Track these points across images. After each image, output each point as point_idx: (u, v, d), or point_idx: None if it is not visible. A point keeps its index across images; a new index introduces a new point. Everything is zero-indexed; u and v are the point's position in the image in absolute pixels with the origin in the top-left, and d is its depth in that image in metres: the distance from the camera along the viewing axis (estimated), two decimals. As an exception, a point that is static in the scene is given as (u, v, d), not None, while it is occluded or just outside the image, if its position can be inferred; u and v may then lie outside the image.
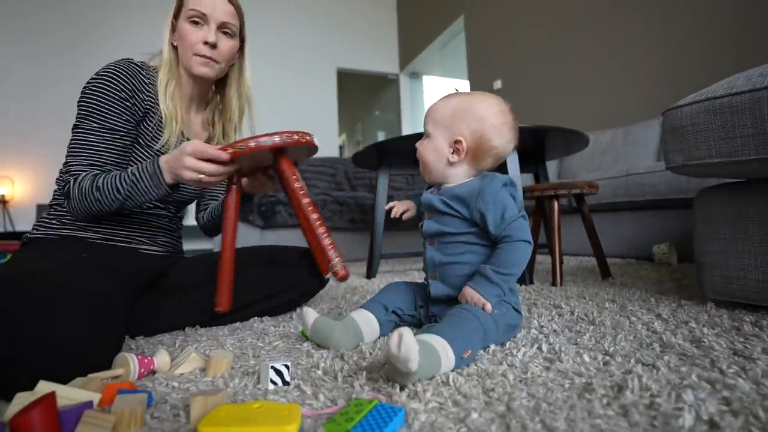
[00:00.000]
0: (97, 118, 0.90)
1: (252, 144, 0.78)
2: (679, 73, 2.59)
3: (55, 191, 0.98)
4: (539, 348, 0.70)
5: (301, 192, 0.85)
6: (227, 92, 1.11)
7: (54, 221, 0.95)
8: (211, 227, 1.19)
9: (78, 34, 4.50)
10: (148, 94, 0.97)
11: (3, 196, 4.19)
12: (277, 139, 0.79)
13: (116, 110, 0.91)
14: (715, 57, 2.38)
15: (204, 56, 0.97)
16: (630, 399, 0.48)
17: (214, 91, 1.14)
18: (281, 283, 1.08)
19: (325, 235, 0.85)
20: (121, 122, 0.92)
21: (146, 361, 0.66)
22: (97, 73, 0.92)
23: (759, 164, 0.79)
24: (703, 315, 0.86)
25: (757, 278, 0.86)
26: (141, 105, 0.95)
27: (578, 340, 0.74)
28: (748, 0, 2.23)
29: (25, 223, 4.24)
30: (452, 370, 0.60)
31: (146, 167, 0.85)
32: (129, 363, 0.63)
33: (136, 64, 0.97)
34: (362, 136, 8.35)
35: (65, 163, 0.90)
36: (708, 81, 1.24)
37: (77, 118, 0.91)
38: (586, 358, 0.63)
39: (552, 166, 3.15)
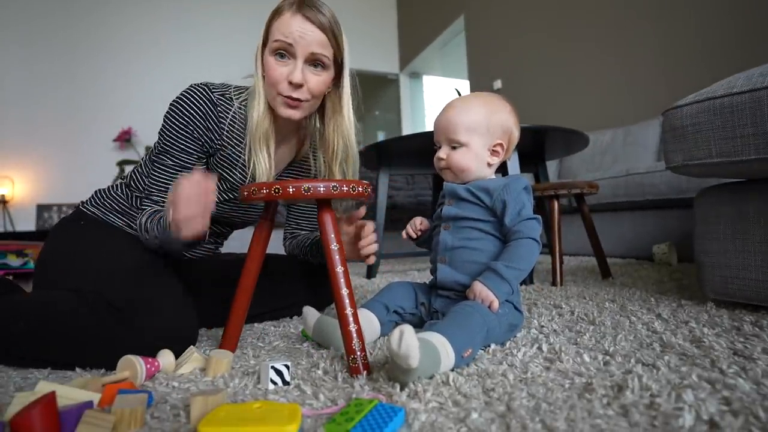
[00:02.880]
0: (171, 156, 0.88)
1: (290, 190, 0.64)
2: (679, 73, 2.58)
3: (123, 180, 1.01)
4: (539, 348, 0.70)
5: (337, 257, 0.68)
6: (326, 128, 0.97)
7: (107, 202, 0.99)
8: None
9: (77, 36, 4.50)
10: (220, 130, 0.90)
11: (3, 196, 4.18)
12: (321, 188, 0.65)
13: (189, 149, 0.88)
14: (715, 57, 2.38)
15: (288, 97, 0.85)
16: (630, 399, 0.48)
17: (314, 120, 1.02)
18: (281, 301, 1.07)
19: (352, 318, 0.66)
20: (192, 161, 0.90)
21: (153, 363, 0.65)
22: (173, 105, 0.88)
23: (759, 164, 0.79)
24: (703, 315, 0.86)
25: (757, 278, 0.86)
26: (212, 143, 0.91)
27: (578, 340, 0.74)
28: (748, 0, 2.23)
29: (25, 223, 4.24)
30: (452, 370, 0.60)
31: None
32: (135, 366, 0.61)
33: (211, 98, 0.89)
34: (362, 136, 8.29)
35: (148, 186, 0.89)
36: (708, 81, 1.24)
37: (156, 148, 0.90)
38: (586, 358, 0.63)
39: (552, 166, 3.15)
